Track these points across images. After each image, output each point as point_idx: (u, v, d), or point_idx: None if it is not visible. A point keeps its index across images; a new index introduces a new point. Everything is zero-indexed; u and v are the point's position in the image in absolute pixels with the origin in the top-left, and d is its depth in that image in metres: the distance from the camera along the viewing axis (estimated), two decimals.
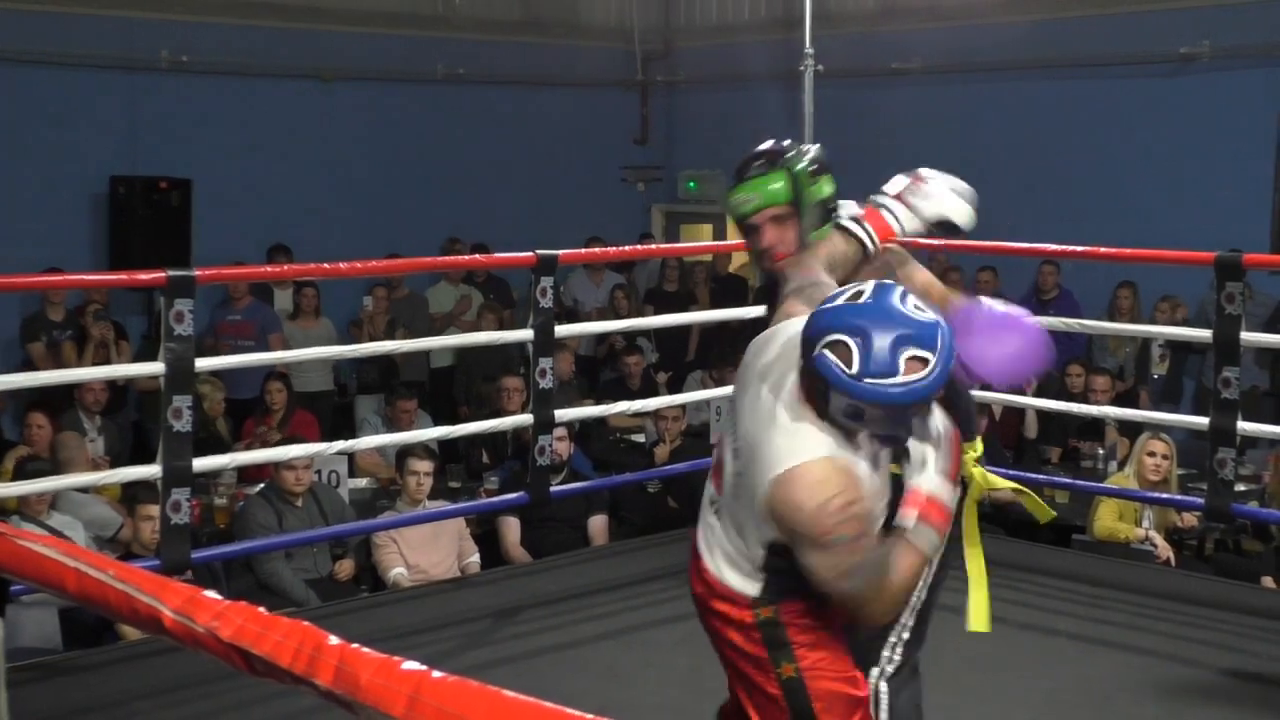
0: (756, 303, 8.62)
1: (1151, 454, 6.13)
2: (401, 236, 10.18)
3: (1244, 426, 5.10)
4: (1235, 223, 8.90)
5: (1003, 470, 6.65)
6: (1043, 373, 2.97)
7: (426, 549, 6.07)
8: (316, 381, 9.11)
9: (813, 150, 3.07)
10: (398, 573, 6.00)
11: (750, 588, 2.57)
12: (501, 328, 8.82)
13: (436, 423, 7.69)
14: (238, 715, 4.03)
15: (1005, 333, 2.93)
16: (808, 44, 6.21)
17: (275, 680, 1.56)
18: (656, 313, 9.19)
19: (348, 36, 10.91)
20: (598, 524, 6.52)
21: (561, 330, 5.67)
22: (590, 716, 1.29)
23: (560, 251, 5.40)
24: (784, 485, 2.39)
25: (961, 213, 2.98)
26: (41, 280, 6.95)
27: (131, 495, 5.74)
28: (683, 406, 7.51)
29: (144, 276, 4.60)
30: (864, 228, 2.90)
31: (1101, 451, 7.46)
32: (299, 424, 7.71)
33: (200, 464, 4.55)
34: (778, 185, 3.00)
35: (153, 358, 4.51)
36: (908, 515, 2.49)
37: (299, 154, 10.71)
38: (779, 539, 2.47)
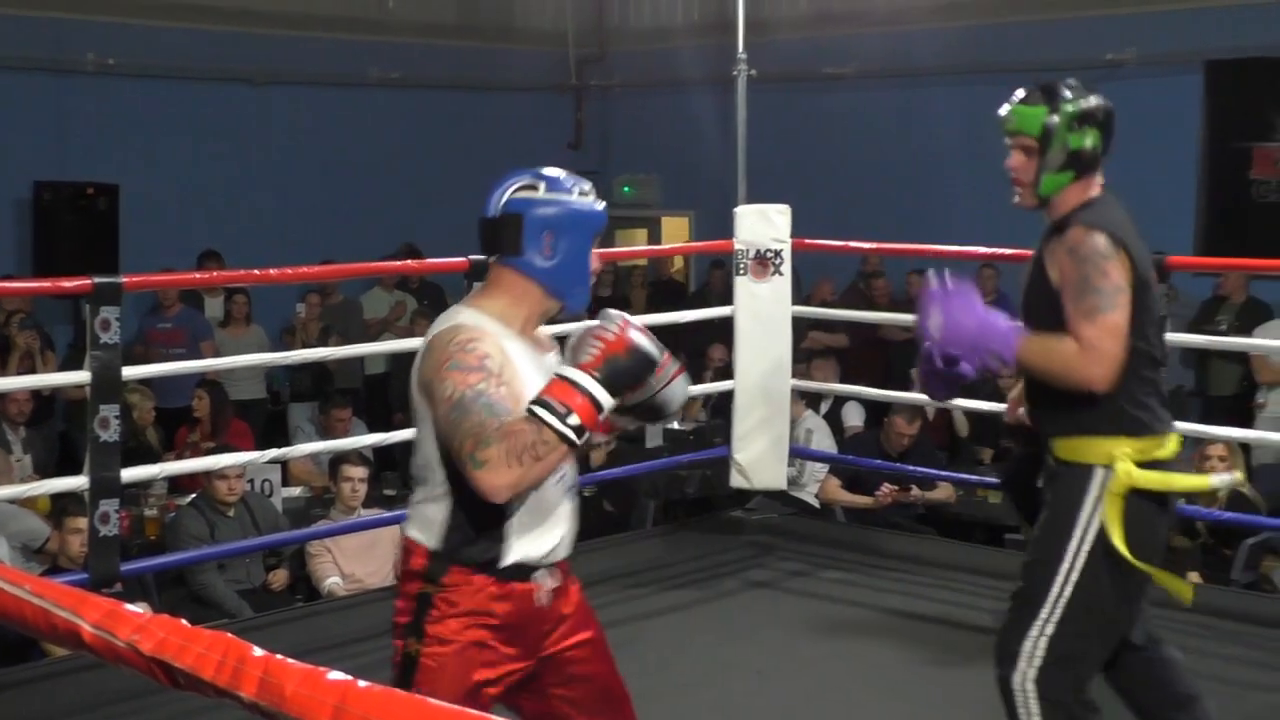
0: (691, 306, 8.68)
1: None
2: (336, 242, 10.12)
3: None
4: (1160, 226, 9.02)
5: (935, 472, 6.75)
6: (1003, 360, 3.01)
7: (362, 557, 6.03)
8: (249, 389, 9.03)
9: (1092, 101, 3.11)
10: (332, 582, 5.95)
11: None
12: None
13: (372, 429, 7.63)
14: None
15: (967, 312, 3.00)
16: (741, 49, 6.23)
17: (199, 694, 1.54)
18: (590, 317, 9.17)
19: (280, 40, 10.83)
20: None
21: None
22: None
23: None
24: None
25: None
26: None
27: (60, 508, 5.65)
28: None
29: (69, 284, 4.52)
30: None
31: None
32: (231, 433, 7.64)
33: (129, 474, 4.48)
34: (1034, 116, 3.07)
35: (79, 366, 4.45)
36: (543, 395, 2.43)
37: (230, 159, 10.61)
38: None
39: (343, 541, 5.97)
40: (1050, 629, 2.94)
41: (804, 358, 8.02)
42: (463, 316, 2.57)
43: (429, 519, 2.60)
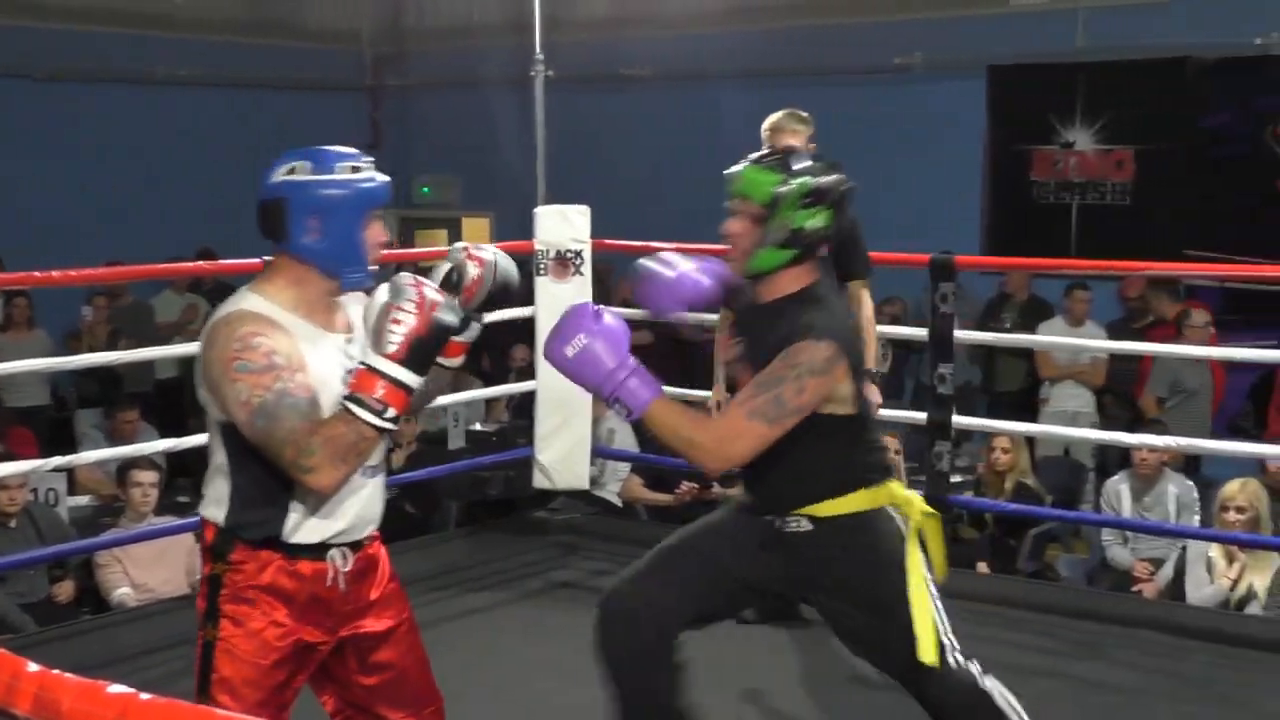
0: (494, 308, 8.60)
1: (883, 448, 6.35)
2: (124, 243, 9.79)
3: (959, 420, 5.41)
4: (948, 226, 9.34)
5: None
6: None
7: (154, 566, 5.85)
8: (31, 395, 8.75)
9: (830, 179, 2.89)
10: (122, 592, 5.76)
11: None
12: None
13: (164, 435, 7.41)
14: None
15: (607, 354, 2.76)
16: (538, 49, 6.23)
17: None
18: None
19: (65, 34, 10.47)
20: None
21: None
22: None
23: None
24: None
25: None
26: None
27: None
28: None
29: None
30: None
31: None
32: (13, 440, 7.35)
33: None
34: (764, 183, 2.87)
35: None
36: (355, 391, 2.46)
37: (10, 156, 10.21)
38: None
39: (133, 551, 5.78)
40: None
41: None
42: (246, 302, 2.56)
43: (217, 496, 2.60)
